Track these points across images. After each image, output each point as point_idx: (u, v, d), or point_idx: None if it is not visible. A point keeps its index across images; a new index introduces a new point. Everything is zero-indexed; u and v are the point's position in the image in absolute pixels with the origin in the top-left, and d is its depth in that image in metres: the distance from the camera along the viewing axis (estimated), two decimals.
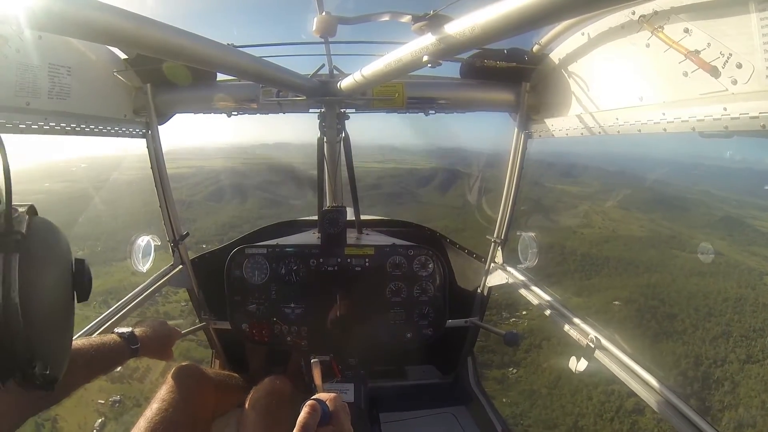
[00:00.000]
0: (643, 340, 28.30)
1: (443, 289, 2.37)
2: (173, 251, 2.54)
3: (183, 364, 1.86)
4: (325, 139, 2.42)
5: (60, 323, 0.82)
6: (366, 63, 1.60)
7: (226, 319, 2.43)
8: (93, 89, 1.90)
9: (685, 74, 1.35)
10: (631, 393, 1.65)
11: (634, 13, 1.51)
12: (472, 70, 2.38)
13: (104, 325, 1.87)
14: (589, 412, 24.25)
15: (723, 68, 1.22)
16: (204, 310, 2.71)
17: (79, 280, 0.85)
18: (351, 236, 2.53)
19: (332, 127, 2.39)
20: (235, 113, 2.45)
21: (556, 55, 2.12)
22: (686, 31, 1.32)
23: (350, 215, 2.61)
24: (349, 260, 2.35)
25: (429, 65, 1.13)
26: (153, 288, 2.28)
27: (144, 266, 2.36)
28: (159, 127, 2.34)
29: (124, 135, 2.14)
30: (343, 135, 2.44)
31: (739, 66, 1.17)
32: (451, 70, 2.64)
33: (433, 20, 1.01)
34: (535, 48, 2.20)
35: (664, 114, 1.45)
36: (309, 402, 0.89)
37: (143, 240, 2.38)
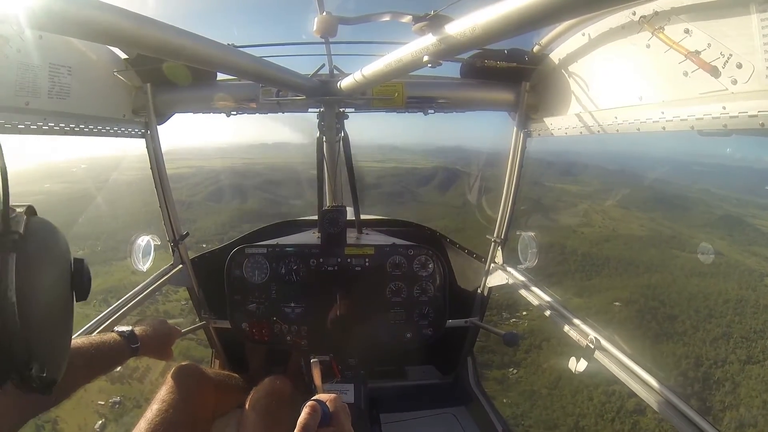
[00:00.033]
0: (643, 341, 28.29)
1: (443, 289, 2.37)
2: (173, 251, 2.54)
3: (183, 364, 1.86)
4: (324, 139, 2.42)
5: (58, 324, 0.80)
6: (366, 63, 1.60)
7: (226, 318, 2.43)
8: (93, 89, 1.90)
9: (685, 74, 1.36)
10: (632, 393, 1.65)
11: (634, 14, 1.51)
12: (472, 70, 2.39)
13: (104, 323, 1.87)
14: (590, 413, 24.24)
15: (723, 68, 1.22)
16: (204, 309, 2.71)
17: (78, 280, 0.84)
18: (351, 236, 2.53)
19: (332, 126, 2.39)
20: (235, 113, 2.45)
21: (556, 55, 2.12)
22: (687, 31, 1.32)
23: (350, 215, 2.61)
24: (349, 260, 2.35)
25: (429, 65, 1.13)
26: (153, 287, 2.28)
27: (144, 266, 2.36)
28: (158, 127, 2.34)
29: (123, 135, 2.14)
30: (343, 134, 2.44)
31: (739, 66, 1.17)
32: (451, 69, 2.65)
33: (433, 20, 1.01)
34: (536, 48, 2.21)
35: (663, 113, 1.45)
36: (309, 403, 0.89)
37: (143, 240, 2.38)
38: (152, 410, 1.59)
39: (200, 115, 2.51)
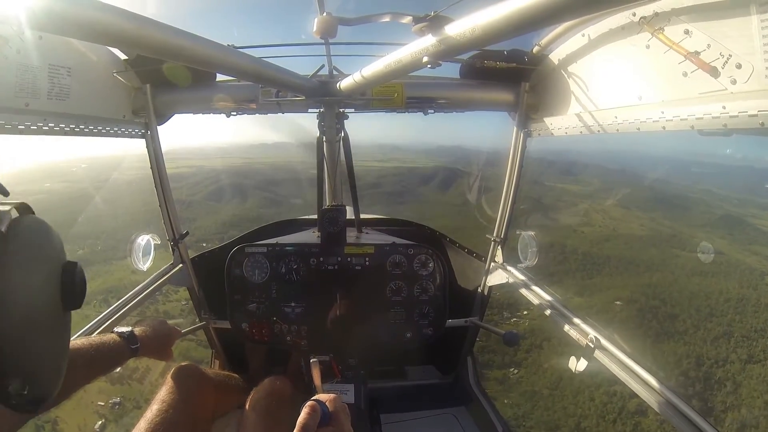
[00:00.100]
0: (644, 340, 28.28)
1: (443, 288, 2.37)
2: (173, 250, 2.54)
3: (183, 364, 1.86)
4: (324, 139, 2.43)
5: (45, 335, 0.70)
6: (366, 64, 1.60)
7: (226, 318, 2.43)
8: (92, 90, 1.90)
9: (685, 74, 1.36)
10: (633, 394, 1.64)
11: (634, 15, 1.51)
12: (472, 70, 2.39)
13: (104, 324, 1.87)
14: (591, 414, 24.20)
15: (723, 69, 1.22)
16: (204, 309, 2.71)
17: (68, 286, 0.75)
18: (351, 235, 2.53)
19: (332, 126, 2.40)
20: (234, 113, 2.45)
21: (556, 56, 2.12)
22: (686, 32, 1.32)
23: (350, 214, 2.61)
24: (349, 259, 2.35)
25: (429, 66, 1.13)
26: (153, 287, 2.29)
27: (144, 265, 2.37)
28: (158, 127, 2.35)
29: (123, 135, 2.14)
30: (343, 134, 2.44)
31: (739, 66, 1.17)
32: (450, 69, 2.65)
33: (433, 21, 1.01)
34: (535, 49, 2.20)
35: (663, 112, 1.45)
36: (309, 403, 0.89)
37: (143, 239, 2.38)
38: (152, 410, 1.59)
39: (200, 115, 2.52)
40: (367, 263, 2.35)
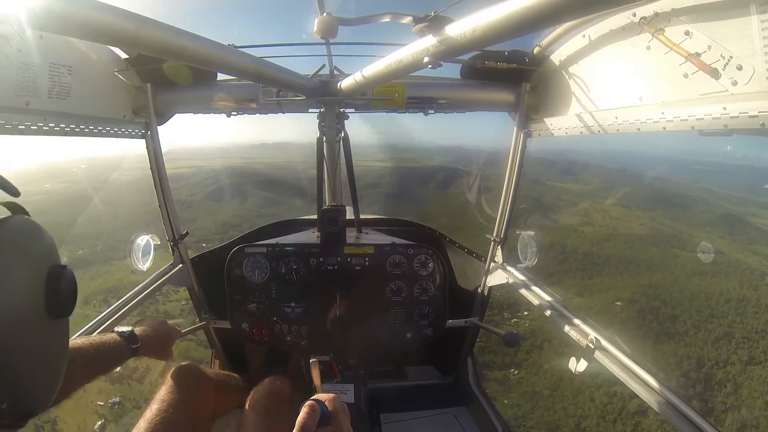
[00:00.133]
0: (645, 341, 28.25)
1: (443, 288, 2.37)
2: (173, 250, 2.54)
3: (182, 364, 1.86)
4: (324, 139, 2.43)
5: (28, 343, 0.64)
6: (366, 64, 1.60)
7: (226, 318, 2.43)
8: (93, 89, 1.90)
9: (686, 75, 1.36)
10: (634, 394, 1.64)
11: (635, 15, 1.51)
12: (472, 71, 2.39)
13: (104, 324, 1.87)
14: (591, 414, 24.18)
15: (723, 70, 1.22)
16: (204, 309, 2.71)
17: (53, 291, 0.67)
18: (351, 235, 2.53)
19: (332, 126, 2.40)
20: (235, 113, 2.45)
21: (556, 56, 2.12)
22: (687, 33, 1.32)
23: (350, 214, 2.61)
24: (348, 259, 2.35)
25: (429, 66, 1.13)
26: (153, 287, 2.29)
27: (144, 265, 2.37)
28: (158, 127, 2.35)
29: (123, 135, 2.14)
30: (343, 134, 2.44)
31: (740, 68, 1.17)
32: (451, 69, 2.65)
33: (434, 22, 1.01)
34: (536, 50, 2.21)
35: (663, 113, 1.45)
36: (308, 402, 0.88)
37: (143, 239, 2.38)
38: (152, 410, 1.59)
39: (201, 115, 2.52)
40: (367, 263, 2.35)
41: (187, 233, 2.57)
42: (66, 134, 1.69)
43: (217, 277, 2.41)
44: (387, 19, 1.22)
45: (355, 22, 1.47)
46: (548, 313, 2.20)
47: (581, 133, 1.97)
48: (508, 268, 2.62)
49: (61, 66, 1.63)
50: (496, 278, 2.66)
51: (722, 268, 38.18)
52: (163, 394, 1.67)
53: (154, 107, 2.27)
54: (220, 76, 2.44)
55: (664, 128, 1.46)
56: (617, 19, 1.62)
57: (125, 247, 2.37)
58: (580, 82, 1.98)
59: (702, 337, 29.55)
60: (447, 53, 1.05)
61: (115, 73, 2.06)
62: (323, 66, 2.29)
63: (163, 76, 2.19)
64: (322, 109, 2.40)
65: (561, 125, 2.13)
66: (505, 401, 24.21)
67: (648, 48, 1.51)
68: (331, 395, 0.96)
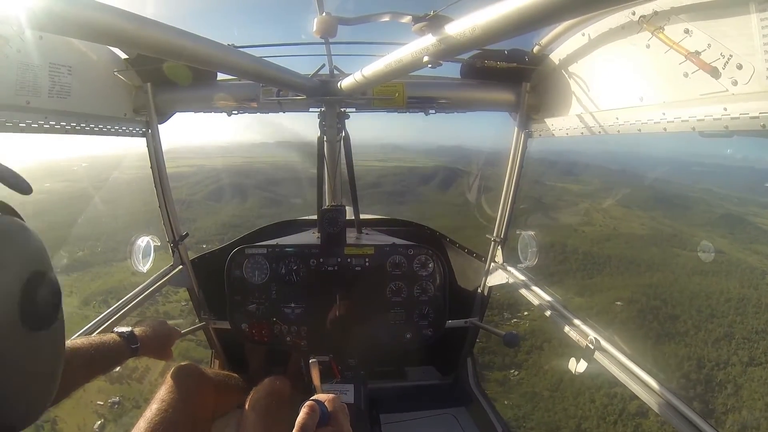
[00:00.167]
0: (645, 342, 28.24)
1: (443, 288, 2.37)
2: (173, 251, 2.54)
3: (182, 364, 1.86)
4: (325, 138, 2.43)
5: (7, 357, 0.57)
6: (366, 63, 1.60)
7: (225, 319, 2.43)
8: (93, 88, 1.90)
9: (686, 75, 1.35)
10: (634, 396, 1.64)
11: (634, 14, 1.51)
12: (472, 70, 2.38)
13: (104, 324, 1.87)
14: (591, 415, 24.17)
15: (723, 69, 1.22)
16: (204, 309, 2.71)
17: (28, 301, 0.59)
18: (351, 236, 2.53)
19: (332, 126, 2.40)
20: (236, 112, 2.45)
21: (556, 55, 2.12)
22: (687, 32, 1.32)
23: (350, 215, 2.61)
24: (349, 260, 2.35)
25: (429, 66, 1.13)
26: (153, 288, 2.28)
27: (144, 266, 2.36)
28: (159, 126, 2.35)
29: (124, 134, 2.14)
30: (343, 134, 2.44)
31: (740, 67, 1.17)
32: (451, 69, 2.65)
33: (433, 21, 1.01)
34: (536, 49, 2.20)
35: (664, 114, 1.45)
36: (308, 403, 0.88)
37: (143, 240, 2.38)
38: (152, 410, 1.59)
39: (202, 114, 2.52)
40: (367, 264, 2.35)
41: (187, 234, 2.57)
42: (67, 132, 1.70)
43: (217, 278, 2.41)
44: (386, 18, 1.22)
45: (355, 22, 1.47)
46: (548, 313, 2.19)
47: (582, 133, 1.97)
48: (509, 268, 2.62)
49: (61, 66, 1.63)
50: (496, 278, 2.66)
51: (723, 267, 38.19)
52: (162, 393, 1.67)
53: (155, 106, 2.27)
54: (221, 76, 2.44)
55: (665, 129, 1.46)
56: (617, 17, 1.62)
57: (125, 249, 2.37)
58: (580, 81, 1.98)
59: (702, 337, 29.54)
60: (447, 52, 1.05)
61: (115, 73, 2.06)
62: (323, 66, 2.29)
63: (163, 75, 2.19)
64: (322, 109, 2.39)
65: (562, 125, 2.12)
66: (506, 402, 24.21)
67: (648, 47, 1.51)
68: (331, 395, 0.96)
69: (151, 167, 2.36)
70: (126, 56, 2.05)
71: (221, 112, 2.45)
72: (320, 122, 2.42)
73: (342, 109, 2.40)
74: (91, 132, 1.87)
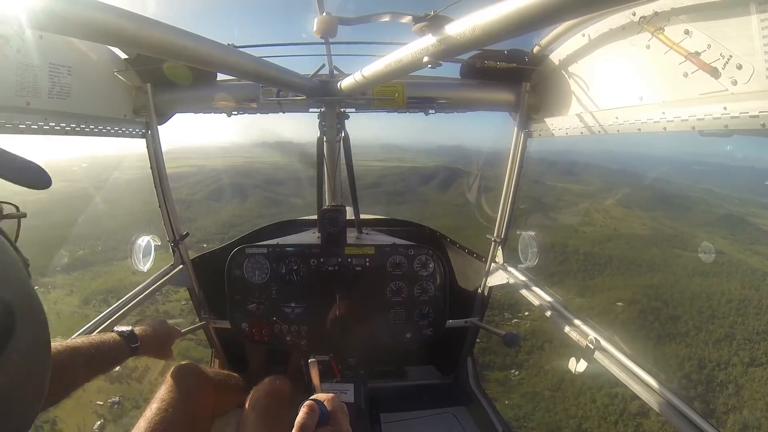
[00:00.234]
0: (646, 342, 28.24)
1: (443, 288, 2.37)
2: (173, 251, 2.54)
3: (182, 363, 1.86)
4: (324, 139, 2.43)
5: None
6: (366, 63, 1.60)
7: (226, 318, 2.43)
8: (93, 89, 1.91)
9: (685, 75, 1.35)
10: (635, 396, 1.64)
11: (634, 15, 1.51)
12: (472, 70, 2.38)
13: (104, 323, 1.87)
14: (592, 415, 24.16)
15: (723, 69, 1.22)
16: (204, 309, 2.71)
17: None
18: (351, 236, 2.53)
19: (332, 126, 2.39)
20: (235, 113, 2.45)
21: (556, 56, 2.12)
22: (687, 32, 1.32)
23: (350, 215, 2.61)
24: (349, 260, 2.35)
25: (429, 66, 1.13)
26: (153, 287, 2.29)
27: (144, 266, 2.36)
28: (159, 126, 2.35)
29: (123, 135, 2.14)
30: (343, 134, 2.44)
31: (740, 67, 1.17)
32: (451, 69, 2.64)
33: (433, 21, 1.01)
34: (536, 49, 2.20)
35: (663, 113, 1.45)
36: (307, 402, 0.88)
37: (143, 240, 2.38)
38: (152, 409, 1.59)
39: (202, 114, 2.52)
40: (368, 264, 2.35)
41: (187, 234, 2.57)
42: (66, 133, 1.70)
43: (217, 277, 2.41)
44: (386, 18, 1.22)
45: (355, 22, 1.47)
46: (548, 313, 2.19)
47: (582, 133, 1.97)
48: (509, 268, 2.62)
49: (61, 67, 1.63)
50: (497, 278, 2.66)
51: (723, 268, 38.19)
52: (162, 393, 1.67)
53: (155, 107, 2.27)
54: (220, 76, 2.44)
55: (665, 128, 1.46)
56: (617, 18, 1.62)
57: (126, 248, 2.37)
58: (580, 81, 1.98)
59: (703, 338, 29.54)
60: (446, 52, 1.05)
61: (115, 74, 2.06)
62: (323, 66, 2.29)
63: (162, 76, 2.19)
64: (322, 109, 2.40)
65: (561, 125, 2.12)
66: (506, 402, 24.22)
67: (648, 47, 1.51)
68: (330, 395, 0.96)
69: (151, 168, 2.36)
70: (126, 56, 2.06)
71: (221, 113, 2.45)
72: (320, 122, 2.41)
73: (342, 110, 2.40)
74: (91, 133, 1.87)
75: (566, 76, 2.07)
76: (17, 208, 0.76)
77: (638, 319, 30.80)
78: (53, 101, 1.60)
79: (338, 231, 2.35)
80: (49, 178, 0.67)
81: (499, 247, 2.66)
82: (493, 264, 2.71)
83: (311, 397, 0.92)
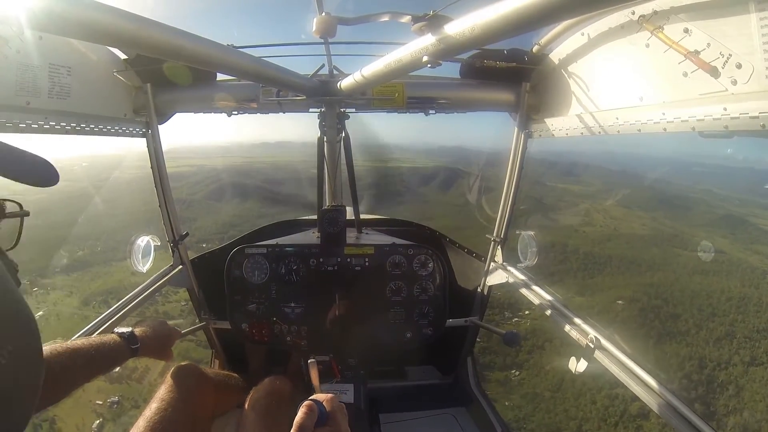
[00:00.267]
0: (646, 341, 28.23)
1: (443, 288, 2.37)
2: (173, 251, 2.54)
3: (182, 363, 1.86)
4: (325, 139, 2.43)
5: None
6: (366, 63, 1.60)
7: (226, 318, 2.43)
8: (93, 89, 1.91)
9: (685, 74, 1.35)
10: (635, 397, 1.64)
11: (633, 14, 1.51)
12: (471, 70, 2.38)
13: (104, 325, 1.87)
14: (593, 417, 24.12)
15: (723, 68, 1.21)
16: (204, 309, 2.71)
17: None
18: (351, 236, 2.53)
19: (332, 126, 2.39)
20: (235, 113, 2.46)
21: (556, 55, 2.11)
22: (686, 31, 1.32)
23: (350, 215, 2.61)
24: (348, 260, 2.35)
25: (429, 65, 1.13)
26: (153, 288, 2.28)
27: (144, 266, 2.36)
28: (159, 126, 2.35)
29: (124, 134, 2.15)
30: (343, 134, 2.44)
31: (739, 66, 1.17)
32: (451, 69, 2.64)
33: (432, 21, 1.01)
34: (535, 48, 2.20)
35: (664, 114, 1.45)
36: (306, 402, 0.88)
37: (143, 240, 2.38)
38: (151, 409, 1.59)
39: (202, 114, 2.52)
40: (367, 264, 2.35)
41: (187, 234, 2.57)
42: (67, 132, 1.70)
43: (217, 278, 2.41)
44: (386, 18, 1.22)
45: (354, 22, 1.47)
46: (548, 312, 2.19)
47: (582, 134, 1.96)
48: (509, 267, 2.62)
49: (61, 67, 1.63)
50: (496, 278, 2.66)
51: (723, 266, 38.22)
52: (162, 393, 1.67)
53: (155, 107, 2.27)
54: (220, 76, 2.44)
55: (665, 129, 1.46)
56: (616, 17, 1.62)
57: (125, 248, 2.37)
58: (579, 81, 1.98)
59: (704, 336, 29.54)
60: (446, 52, 1.05)
61: (115, 74, 2.06)
62: (323, 66, 2.29)
63: (162, 76, 2.19)
64: (322, 109, 2.39)
65: (561, 126, 2.12)
66: (506, 403, 24.18)
67: (647, 46, 1.51)
68: (329, 395, 0.96)
69: (151, 167, 2.36)
70: (126, 57, 2.06)
71: (221, 113, 2.46)
72: (320, 122, 2.41)
73: (342, 110, 2.40)
74: (91, 132, 1.87)
75: (566, 75, 2.07)
76: (20, 206, 0.76)
77: (638, 318, 30.80)
78: (53, 101, 1.60)
79: (338, 231, 2.35)
80: (57, 173, 0.66)
81: (499, 247, 2.66)
82: (492, 263, 2.71)
83: (310, 398, 0.92)
